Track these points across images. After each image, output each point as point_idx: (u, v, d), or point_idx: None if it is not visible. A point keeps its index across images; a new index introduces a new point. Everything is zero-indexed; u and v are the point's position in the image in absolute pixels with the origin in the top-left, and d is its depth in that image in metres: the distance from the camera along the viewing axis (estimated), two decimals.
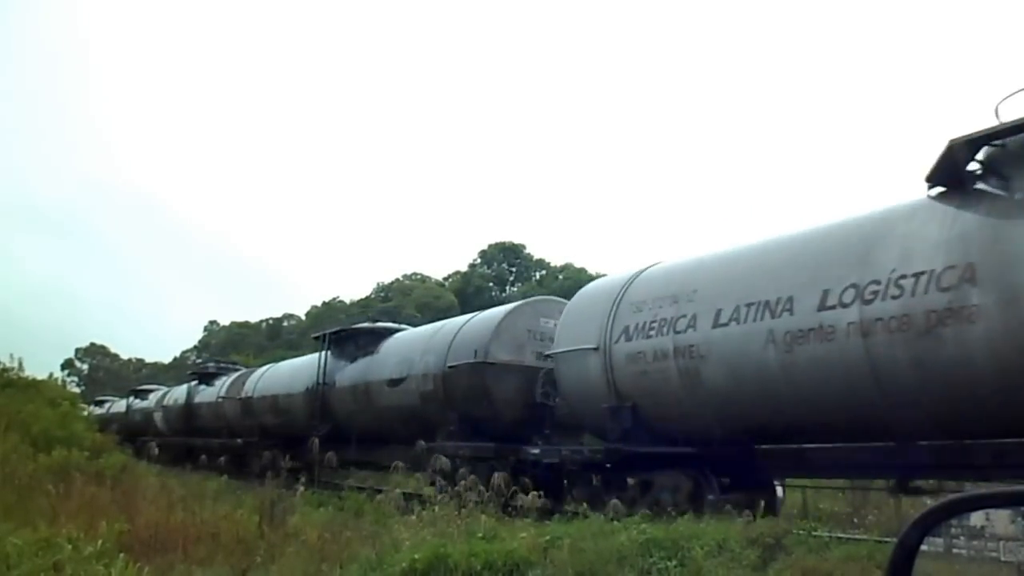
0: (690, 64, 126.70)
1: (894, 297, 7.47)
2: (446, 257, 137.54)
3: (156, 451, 21.46)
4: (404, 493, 11.79)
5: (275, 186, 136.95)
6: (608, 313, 10.73)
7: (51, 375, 26.80)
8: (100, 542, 6.33)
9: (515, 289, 54.64)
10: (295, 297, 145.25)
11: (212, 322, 78.16)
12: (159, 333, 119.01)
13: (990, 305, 6.83)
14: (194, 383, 27.99)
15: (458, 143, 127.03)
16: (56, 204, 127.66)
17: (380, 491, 12.96)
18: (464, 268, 60.63)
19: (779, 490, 10.39)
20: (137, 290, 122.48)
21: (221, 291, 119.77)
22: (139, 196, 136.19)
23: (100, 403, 41.13)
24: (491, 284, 58.60)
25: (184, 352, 75.09)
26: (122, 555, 6.25)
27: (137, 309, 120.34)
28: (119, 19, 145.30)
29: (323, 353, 18.24)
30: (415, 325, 18.75)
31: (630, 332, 10.34)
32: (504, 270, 60.69)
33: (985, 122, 7.28)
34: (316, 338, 19.57)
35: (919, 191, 7.90)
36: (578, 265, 53.99)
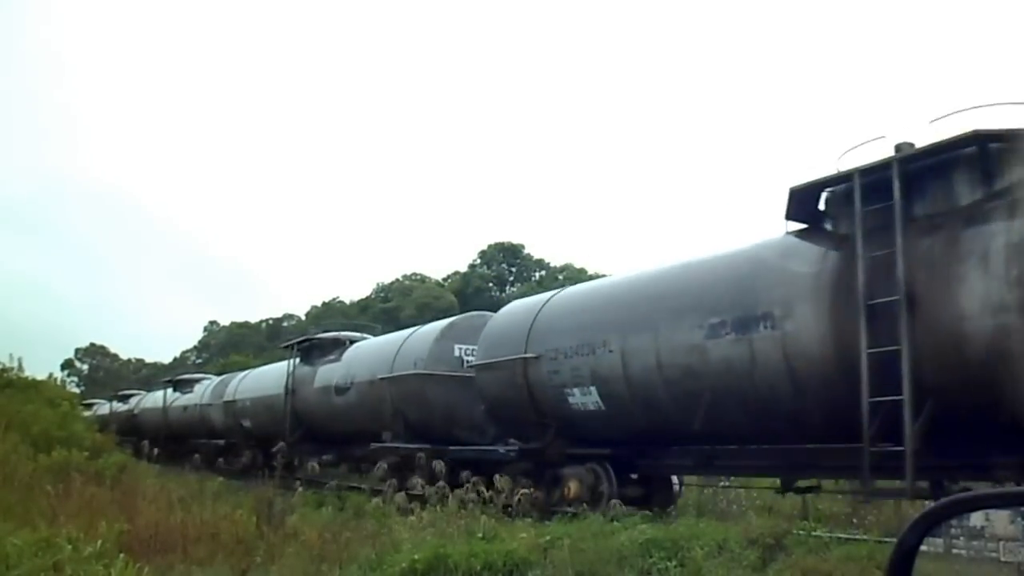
0: (689, 63, 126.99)
1: None
2: (446, 257, 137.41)
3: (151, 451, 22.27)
4: (408, 493, 11.79)
5: (274, 187, 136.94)
6: (526, 331, 11.55)
7: (51, 375, 26.65)
8: (100, 542, 6.33)
9: (515, 289, 54.58)
10: (295, 297, 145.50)
11: (212, 322, 78.25)
12: (159, 333, 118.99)
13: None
14: (169, 390, 29.65)
15: (457, 143, 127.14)
16: (26, 201, 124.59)
17: (378, 491, 12.97)
18: (464, 268, 60.65)
19: (676, 483, 11.53)
20: (132, 290, 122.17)
21: (221, 291, 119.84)
22: (123, 197, 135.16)
23: (88, 405, 40.20)
24: (491, 284, 58.57)
25: (184, 352, 75.16)
26: (122, 555, 6.26)
27: (134, 309, 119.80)
28: (102, 15, 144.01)
29: (291, 360, 19.54)
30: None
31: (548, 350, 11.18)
32: (504, 270, 60.68)
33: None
34: (285, 347, 21.38)
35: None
36: (578, 265, 54.05)
